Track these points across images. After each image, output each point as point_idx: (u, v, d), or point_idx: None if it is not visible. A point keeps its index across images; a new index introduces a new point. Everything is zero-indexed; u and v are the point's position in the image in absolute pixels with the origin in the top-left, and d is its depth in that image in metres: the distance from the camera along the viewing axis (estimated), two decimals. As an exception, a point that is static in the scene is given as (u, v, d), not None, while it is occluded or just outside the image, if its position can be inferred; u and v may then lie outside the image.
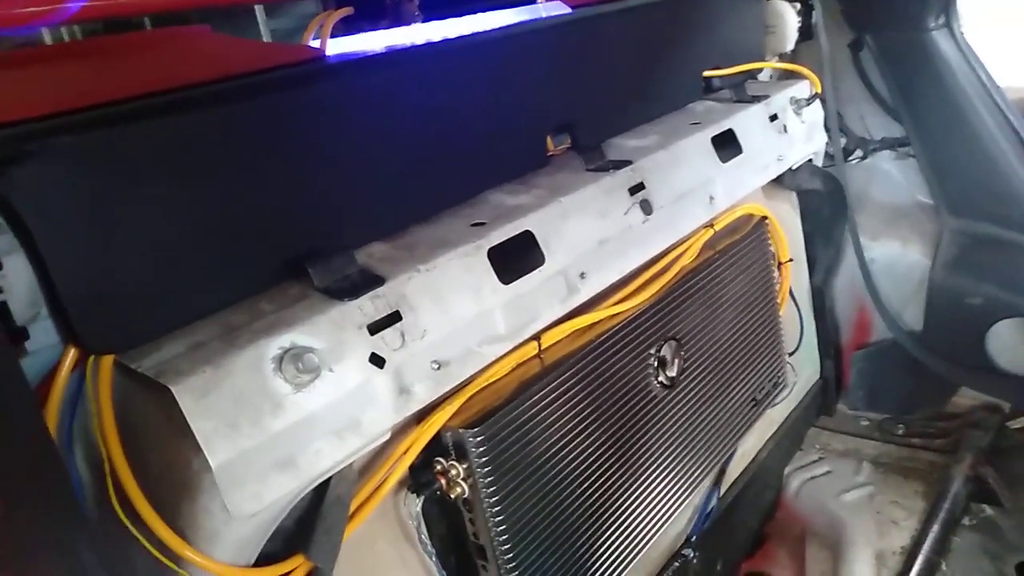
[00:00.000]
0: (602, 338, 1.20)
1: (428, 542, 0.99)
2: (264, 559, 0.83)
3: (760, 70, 1.82)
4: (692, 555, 1.52)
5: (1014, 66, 2.02)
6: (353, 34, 1.31)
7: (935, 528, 1.60)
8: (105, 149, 0.75)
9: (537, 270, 1.06)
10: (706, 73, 1.62)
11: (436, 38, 1.22)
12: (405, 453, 0.96)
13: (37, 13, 0.87)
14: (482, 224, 1.06)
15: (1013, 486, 1.70)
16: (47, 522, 0.58)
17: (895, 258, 1.99)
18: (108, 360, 0.77)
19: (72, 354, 0.76)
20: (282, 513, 0.81)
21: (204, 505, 0.76)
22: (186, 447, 0.75)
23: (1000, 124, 1.78)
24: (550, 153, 1.31)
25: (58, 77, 0.84)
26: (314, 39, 1.18)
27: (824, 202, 1.84)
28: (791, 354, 1.78)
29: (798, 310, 1.84)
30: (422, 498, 0.99)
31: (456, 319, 0.96)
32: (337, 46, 1.20)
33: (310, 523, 0.86)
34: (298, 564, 0.84)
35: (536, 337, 1.12)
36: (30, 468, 0.61)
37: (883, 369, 2.04)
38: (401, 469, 0.96)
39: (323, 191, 0.96)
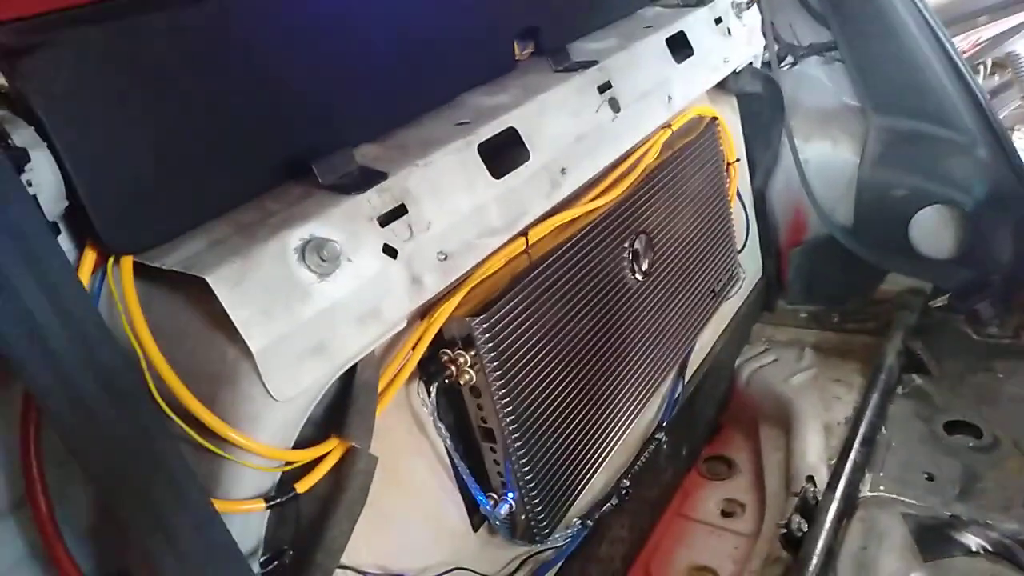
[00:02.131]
0: (582, 232, 1.25)
1: (441, 427, 1.04)
2: (300, 446, 0.86)
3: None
4: (663, 439, 1.63)
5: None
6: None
7: (874, 398, 1.75)
8: (113, 43, 0.74)
9: (524, 165, 1.10)
10: (651, -21, 1.66)
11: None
12: (416, 344, 1.00)
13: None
14: (467, 123, 1.09)
15: (939, 356, 1.88)
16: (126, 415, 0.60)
17: (826, 158, 2.11)
18: (128, 260, 0.77)
19: (91, 256, 0.76)
20: (315, 399, 0.84)
21: (244, 391, 0.78)
22: (222, 337, 0.77)
23: (919, 24, 1.90)
24: (517, 58, 1.33)
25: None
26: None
27: (764, 105, 1.93)
28: (738, 253, 1.89)
29: (744, 210, 1.94)
30: (433, 387, 1.04)
31: (456, 212, 0.99)
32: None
33: (341, 408, 0.89)
34: (334, 446, 0.87)
35: (524, 233, 1.17)
36: (101, 365, 0.62)
37: (818, 263, 2.18)
38: (415, 358, 1.00)
39: (313, 92, 0.96)
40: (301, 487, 0.83)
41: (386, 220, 0.90)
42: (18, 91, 0.67)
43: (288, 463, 0.83)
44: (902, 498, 1.53)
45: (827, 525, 1.42)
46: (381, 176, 0.92)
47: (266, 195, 0.91)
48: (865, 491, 1.57)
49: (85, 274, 0.76)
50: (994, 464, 1.59)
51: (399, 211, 0.92)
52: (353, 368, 0.89)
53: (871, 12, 1.94)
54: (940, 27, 1.91)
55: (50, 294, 0.61)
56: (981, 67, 3.91)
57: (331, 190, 0.90)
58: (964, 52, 3.68)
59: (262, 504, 0.79)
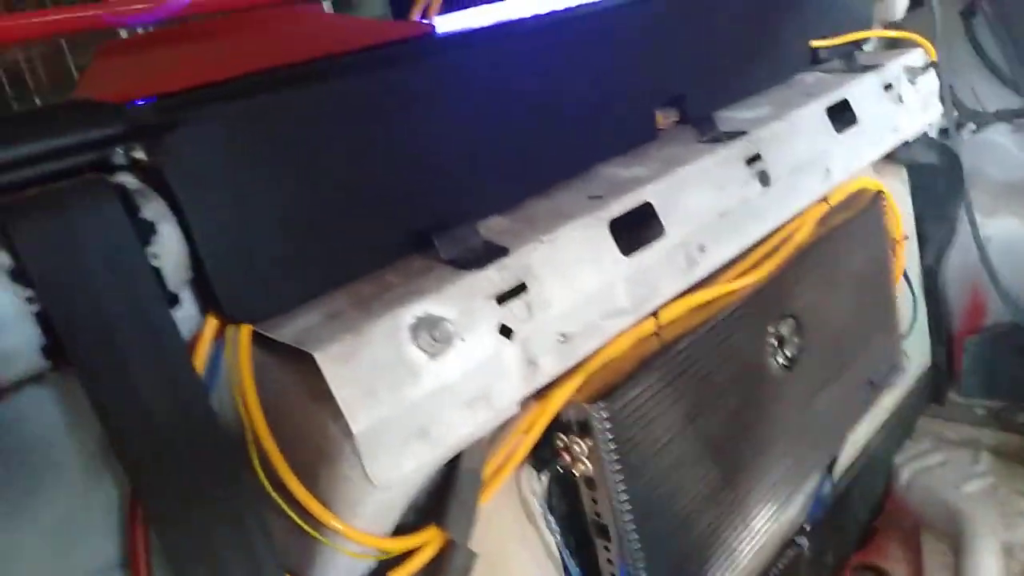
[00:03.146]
0: (721, 315, 1.15)
1: (552, 520, 0.97)
2: (398, 533, 0.83)
3: (867, 40, 1.73)
4: (805, 544, 1.46)
5: None
6: (457, 10, 1.30)
7: (1070, 521, 1.49)
8: (247, 119, 0.76)
9: (657, 242, 1.03)
10: (813, 43, 1.55)
11: (543, 11, 1.20)
12: (529, 429, 0.94)
13: (150, 7, 0.89)
14: (599, 197, 1.03)
15: None
16: (218, 493, 0.58)
17: (1013, 236, 1.87)
18: (247, 329, 0.78)
19: (212, 324, 0.77)
20: (417, 485, 0.81)
21: (344, 473, 0.75)
22: (325, 415, 0.75)
23: None
24: (659, 127, 1.27)
25: (193, 54, 0.86)
26: (420, 17, 1.18)
27: (938, 177, 1.74)
28: (904, 339, 1.69)
29: (911, 291, 1.75)
30: (545, 475, 0.97)
31: (580, 291, 0.94)
32: (445, 23, 1.19)
33: (444, 496, 0.85)
34: (432, 536, 0.83)
35: (654, 313, 1.09)
36: (201, 443, 0.61)
37: (1000, 354, 1.92)
38: (526, 446, 0.94)
39: (442, 164, 0.95)
40: (394, 579, 0.79)
41: (505, 298, 0.86)
42: (154, 165, 0.69)
43: (384, 552, 0.79)
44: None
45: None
46: (503, 251, 0.89)
47: (389, 267, 0.90)
48: (1055, 636, 1.33)
49: (206, 341, 0.77)
50: None
51: (519, 289, 0.88)
52: (458, 454, 0.85)
53: (1072, 75, 1.71)
54: None
55: (160, 370, 0.62)
56: None
57: (451, 265, 0.87)
58: None
59: (352, 593, 0.76)
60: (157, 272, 0.68)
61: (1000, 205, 1.89)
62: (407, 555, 0.82)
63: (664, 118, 1.30)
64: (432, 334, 0.78)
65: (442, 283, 0.83)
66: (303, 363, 0.75)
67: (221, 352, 0.78)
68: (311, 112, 0.81)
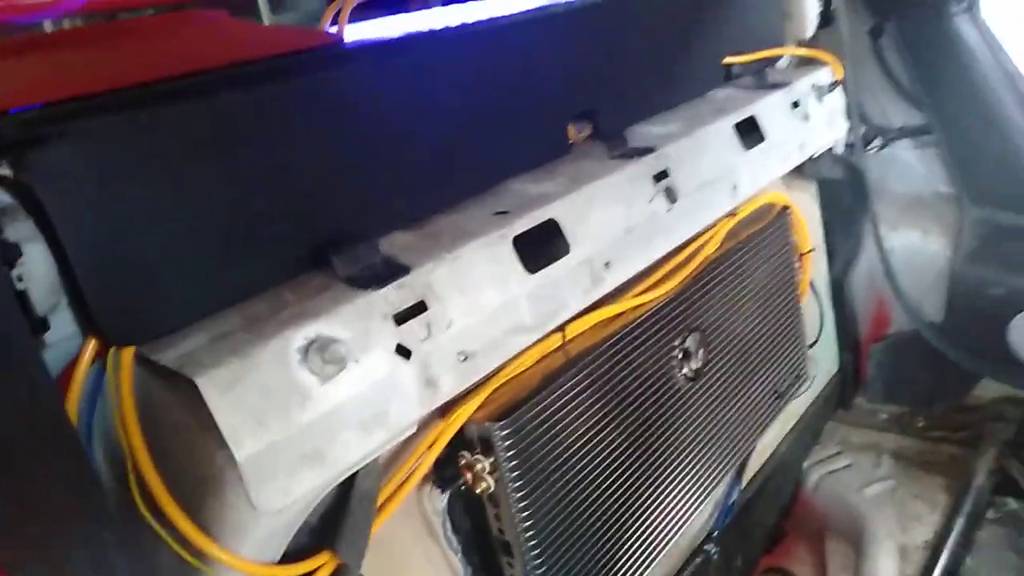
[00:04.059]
0: (627, 329, 1.17)
1: (453, 538, 0.97)
2: (289, 556, 0.81)
3: (779, 57, 1.78)
4: (713, 551, 1.49)
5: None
6: (370, 19, 1.28)
7: (959, 522, 1.57)
8: (125, 133, 0.73)
9: (563, 259, 1.04)
10: (726, 60, 1.59)
11: (455, 23, 1.19)
12: (430, 448, 0.94)
13: (46, 3, 0.85)
14: (505, 213, 1.03)
15: (1038, 479, 1.67)
16: (75, 520, 0.56)
17: (915, 248, 1.95)
18: (129, 352, 0.75)
19: (92, 346, 0.74)
20: (308, 508, 0.79)
21: (229, 501, 0.73)
22: (210, 441, 0.72)
23: (1023, 110, 1.75)
24: (572, 141, 1.28)
25: (75, 61, 0.82)
26: (331, 25, 1.16)
27: (844, 191, 1.81)
28: (810, 346, 1.75)
29: (818, 302, 1.81)
30: (447, 493, 0.97)
31: (482, 309, 0.93)
32: (355, 32, 1.17)
33: (336, 519, 0.83)
34: (324, 561, 0.81)
35: (560, 328, 1.09)
36: (56, 467, 0.58)
37: (902, 361, 2.01)
38: (426, 464, 0.94)
39: (344, 179, 0.93)
40: (282, 607, 0.77)
41: (403, 317, 0.85)
42: (21, 181, 0.66)
43: (272, 578, 0.77)
44: (987, 646, 1.35)
45: (894, 672, 1.26)
46: (403, 270, 0.88)
47: (286, 284, 0.88)
48: (944, 632, 1.40)
49: (84, 365, 0.73)
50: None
51: (419, 308, 0.87)
52: (353, 476, 0.84)
53: (969, 95, 1.80)
54: (1048, 115, 1.75)
55: (22, 399, 0.59)
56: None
57: (349, 283, 0.86)
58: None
59: (238, 624, 0.74)
60: (23, 296, 0.65)
61: (903, 218, 1.97)
62: (298, 581, 0.80)
63: (577, 132, 1.31)
64: (323, 356, 0.76)
65: (337, 303, 0.81)
66: (187, 387, 0.72)
67: (103, 376, 0.75)
68: (195, 126, 0.78)
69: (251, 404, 0.72)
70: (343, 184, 0.93)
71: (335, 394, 0.78)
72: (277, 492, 0.74)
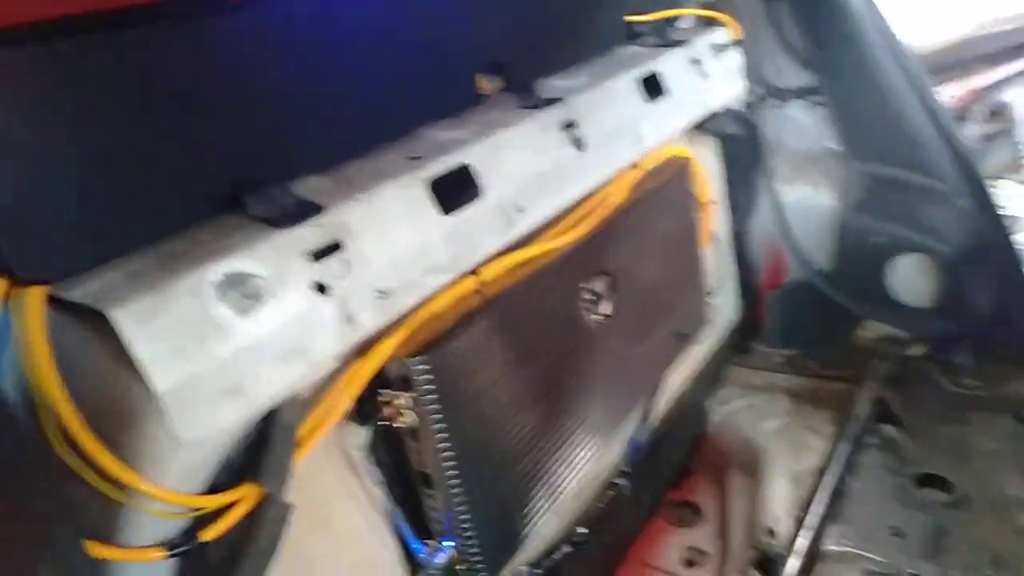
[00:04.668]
0: (539, 272, 1.22)
1: (376, 471, 1.00)
2: (214, 490, 0.82)
3: (680, 16, 1.85)
4: (624, 484, 1.58)
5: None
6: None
7: (843, 449, 1.71)
8: (27, 68, 0.71)
9: (476, 202, 1.07)
10: (628, 17, 1.65)
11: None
12: (351, 383, 0.97)
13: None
14: (419, 158, 1.06)
15: (911, 407, 1.84)
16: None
17: (807, 202, 2.09)
18: (38, 290, 0.74)
19: (3, 284, 0.73)
20: (230, 441, 0.81)
21: (149, 433, 0.74)
22: (127, 375, 0.73)
23: (901, 73, 1.89)
24: (484, 93, 1.31)
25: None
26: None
27: (743, 147, 1.91)
28: (712, 294, 1.86)
29: (719, 252, 1.92)
30: (368, 429, 1.00)
31: (398, 249, 0.96)
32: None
33: (258, 451, 0.85)
34: (248, 491, 0.83)
35: (475, 271, 1.13)
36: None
37: (796, 307, 2.15)
38: (347, 399, 0.96)
39: (255, 122, 0.94)
40: (206, 535, 0.79)
41: (320, 255, 0.87)
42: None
43: (196, 509, 0.79)
44: (866, 554, 1.49)
45: (785, 582, 1.38)
46: (316, 209, 0.89)
47: (201, 226, 0.88)
48: (829, 545, 1.53)
49: (-8, 302, 0.72)
50: (963, 522, 1.55)
51: (335, 247, 0.89)
52: (275, 410, 0.86)
53: (855, 59, 1.93)
54: (922, 76, 1.89)
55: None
56: (976, 115, 3.92)
57: (263, 223, 0.87)
58: (959, 100, 3.68)
59: (163, 553, 0.75)
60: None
61: (797, 174, 2.11)
62: (222, 511, 0.82)
63: (489, 85, 1.34)
64: (241, 291, 0.78)
65: (252, 241, 0.83)
66: (102, 323, 0.72)
67: (10, 316, 0.74)
68: (99, 63, 0.77)
69: (168, 337, 0.73)
70: (255, 127, 0.93)
71: (254, 328, 0.80)
72: (198, 423, 0.75)
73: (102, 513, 0.74)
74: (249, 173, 0.92)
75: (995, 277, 1.89)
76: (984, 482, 1.61)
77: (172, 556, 0.76)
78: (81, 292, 0.74)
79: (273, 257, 0.83)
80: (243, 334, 0.79)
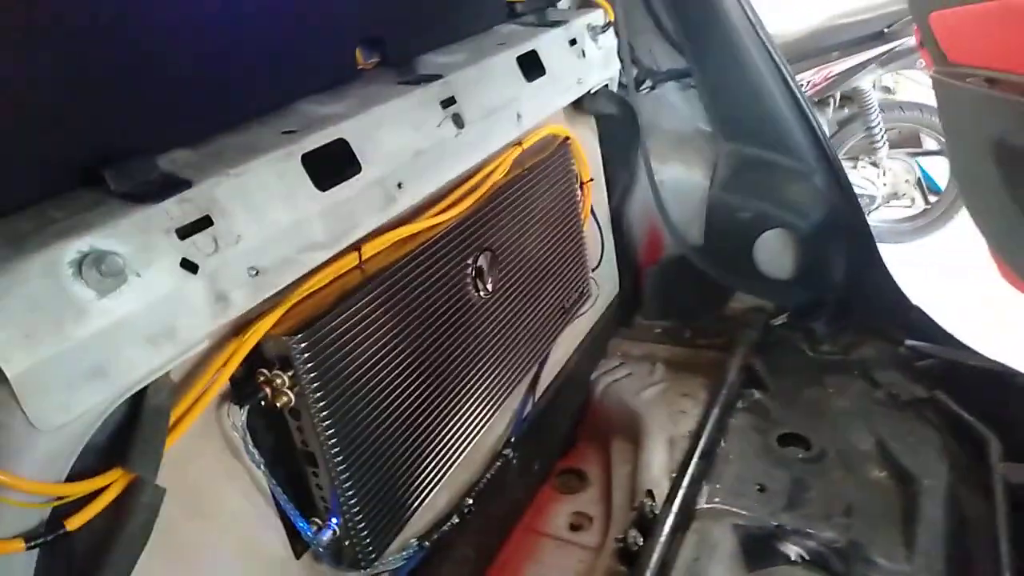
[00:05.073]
0: (421, 248, 1.23)
1: (255, 452, 0.98)
2: (79, 476, 0.79)
3: (560, -1, 1.89)
4: (512, 455, 1.62)
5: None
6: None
7: (715, 412, 1.82)
8: None
9: (354, 178, 1.06)
10: (509, -3, 1.67)
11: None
12: (226, 364, 0.94)
13: None
14: (293, 132, 1.04)
15: (776, 372, 1.98)
16: None
17: (680, 180, 2.19)
18: None
19: None
20: (94, 425, 0.77)
21: (2, 421, 0.70)
22: (-25, 361, 0.69)
23: (764, 59, 2.01)
24: (361, 67, 1.30)
25: None
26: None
27: (620, 127, 1.98)
28: (594, 270, 1.93)
29: (599, 229, 1.98)
30: (246, 409, 0.98)
31: (272, 225, 0.94)
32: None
33: (127, 435, 0.82)
34: (116, 477, 0.80)
35: (357, 247, 1.13)
36: None
37: (672, 281, 2.26)
38: (222, 380, 0.94)
39: (119, 90, 0.88)
40: (72, 524, 0.76)
41: (187, 232, 0.84)
42: None
43: (59, 498, 0.75)
44: (735, 509, 1.59)
45: (662, 538, 1.46)
46: (184, 185, 0.86)
47: (51, 202, 0.83)
48: (702, 503, 1.63)
49: None
50: (820, 475, 1.68)
51: (204, 223, 0.86)
52: (143, 392, 0.82)
53: (721, 44, 2.03)
54: (783, 62, 2.02)
55: None
56: (831, 100, 4.22)
57: (124, 199, 0.83)
58: (816, 85, 3.95)
59: (21, 545, 0.72)
60: None
61: (671, 153, 2.21)
62: (89, 499, 0.78)
63: (366, 59, 1.32)
64: (99, 269, 0.74)
65: (112, 217, 0.79)
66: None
67: None
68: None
69: (18, 319, 0.69)
70: (118, 96, 0.88)
71: (116, 308, 0.76)
72: (55, 409, 0.72)
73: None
74: (110, 146, 0.87)
75: (848, 251, 2.06)
76: (838, 439, 1.76)
77: (32, 547, 0.72)
78: (-84, 273, 0.69)
79: (136, 234, 0.79)
80: (104, 314, 0.75)
